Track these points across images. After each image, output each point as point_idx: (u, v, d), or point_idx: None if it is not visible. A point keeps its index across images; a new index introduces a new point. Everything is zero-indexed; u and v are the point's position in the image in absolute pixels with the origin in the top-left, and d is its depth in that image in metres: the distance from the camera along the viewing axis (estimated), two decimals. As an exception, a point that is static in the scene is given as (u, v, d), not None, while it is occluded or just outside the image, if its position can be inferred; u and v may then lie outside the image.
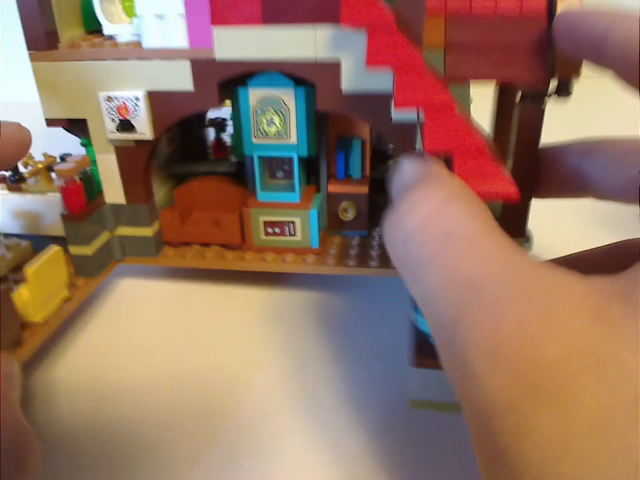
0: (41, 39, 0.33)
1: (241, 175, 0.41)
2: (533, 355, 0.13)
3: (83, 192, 0.34)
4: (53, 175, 0.38)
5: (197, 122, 0.47)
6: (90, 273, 0.36)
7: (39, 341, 0.31)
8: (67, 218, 0.35)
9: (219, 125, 0.48)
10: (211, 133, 0.49)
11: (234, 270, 0.40)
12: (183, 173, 0.43)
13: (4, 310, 0.28)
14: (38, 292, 0.31)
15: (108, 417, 0.30)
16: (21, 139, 0.22)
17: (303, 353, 0.35)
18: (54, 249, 0.32)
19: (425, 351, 0.25)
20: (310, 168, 0.40)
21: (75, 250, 0.36)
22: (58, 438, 0.29)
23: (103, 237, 0.37)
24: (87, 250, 0.35)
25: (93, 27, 0.36)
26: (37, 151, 0.40)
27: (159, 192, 0.42)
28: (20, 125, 0.23)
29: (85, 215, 0.35)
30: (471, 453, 0.16)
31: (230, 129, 0.48)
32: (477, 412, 0.14)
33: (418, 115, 0.25)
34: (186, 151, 0.46)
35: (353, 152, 0.39)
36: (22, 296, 0.31)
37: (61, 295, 0.34)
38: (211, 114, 0.49)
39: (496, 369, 0.14)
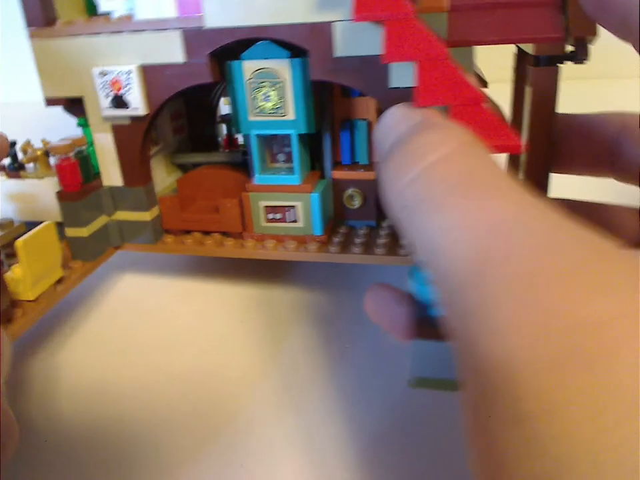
0: (39, 16, 0.33)
1: (247, 166, 0.40)
2: (576, 311, 0.11)
3: (78, 170, 0.34)
4: (52, 161, 0.38)
5: (208, 118, 0.46)
6: (86, 256, 0.35)
7: (30, 320, 0.30)
8: (62, 197, 0.34)
9: (230, 120, 0.47)
10: (222, 130, 0.48)
11: (234, 259, 0.38)
12: (189, 164, 0.42)
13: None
14: (29, 267, 0.30)
15: (107, 416, 0.29)
16: None
17: (304, 352, 0.33)
18: (46, 223, 0.31)
19: (424, 321, 0.23)
20: (315, 154, 0.38)
21: (70, 232, 0.35)
22: (56, 436, 0.28)
23: (100, 221, 0.36)
24: (83, 232, 0.35)
25: (95, 12, 0.36)
26: (37, 140, 0.40)
27: (165, 182, 0.41)
28: None
29: (81, 194, 0.34)
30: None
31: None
32: (489, 374, 0.12)
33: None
34: (196, 145, 0.45)
35: (358, 135, 0.37)
36: (13, 271, 0.30)
37: (55, 275, 0.32)
38: (223, 109, 0.48)
39: (526, 323, 0.12)
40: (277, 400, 0.30)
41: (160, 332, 0.36)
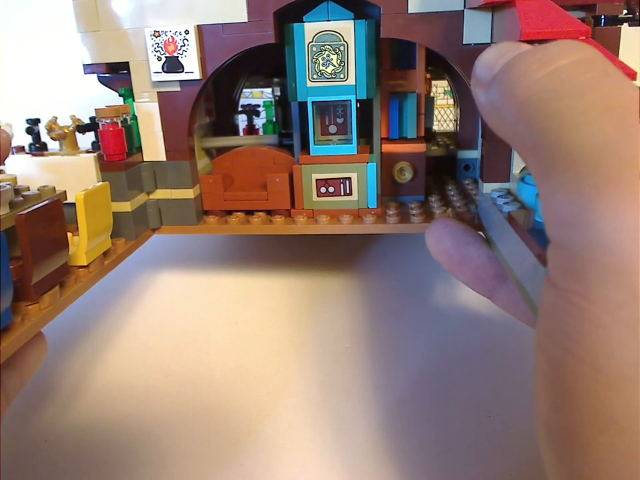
0: (84, -25, 0.31)
1: (283, 147, 0.38)
2: None
3: (123, 138, 0.31)
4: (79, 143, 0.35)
5: (230, 109, 0.45)
6: (129, 234, 0.32)
7: (82, 288, 0.27)
8: (105, 167, 0.31)
9: (252, 111, 0.46)
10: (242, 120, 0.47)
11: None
12: (219, 149, 0.40)
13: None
14: (87, 226, 0.27)
15: (106, 415, 0.29)
16: None
17: (302, 351, 0.33)
18: (103, 182, 0.28)
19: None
20: (359, 132, 0.37)
21: (112, 207, 0.32)
22: (56, 436, 0.28)
23: (140, 199, 0.33)
24: (127, 206, 0.32)
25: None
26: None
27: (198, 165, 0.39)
28: None
29: (126, 165, 0.32)
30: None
31: (263, 114, 0.46)
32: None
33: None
34: (218, 134, 0.44)
35: (407, 108, 0.36)
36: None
37: (105, 244, 0.30)
38: (243, 101, 0.47)
39: None
40: (276, 399, 0.29)
41: (159, 331, 0.36)
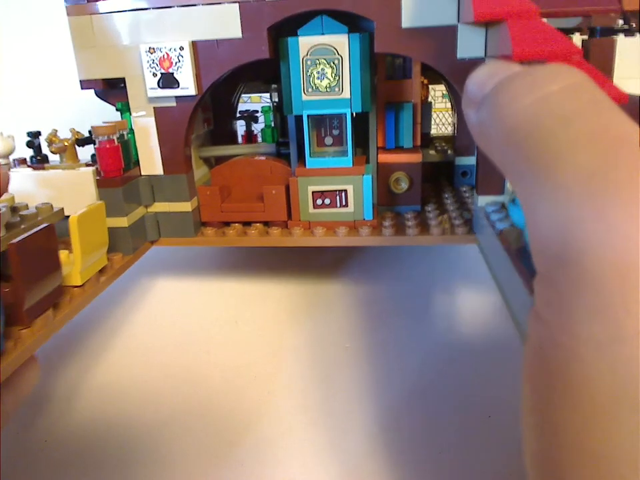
0: (78, -8, 0.31)
1: (281, 156, 0.39)
2: None
3: (120, 154, 0.31)
4: (79, 154, 0.35)
5: (228, 115, 0.45)
6: (126, 249, 0.33)
7: (77, 307, 0.27)
8: (102, 183, 0.31)
9: (250, 117, 0.46)
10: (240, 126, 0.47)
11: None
12: (218, 157, 0.40)
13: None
14: (80, 247, 0.27)
15: (106, 415, 0.29)
16: None
17: (302, 351, 0.33)
18: (98, 202, 0.28)
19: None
20: (356, 140, 0.37)
21: (109, 222, 0.32)
22: (57, 437, 0.28)
23: (138, 213, 0.34)
24: (124, 222, 0.32)
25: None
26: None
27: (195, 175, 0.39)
28: None
29: (123, 180, 0.32)
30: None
31: (261, 119, 0.46)
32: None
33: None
34: (216, 142, 0.44)
35: (403, 118, 0.36)
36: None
37: (101, 262, 0.30)
38: (242, 107, 0.47)
39: None
40: (276, 399, 0.29)
41: (159, 332, 0.36)
